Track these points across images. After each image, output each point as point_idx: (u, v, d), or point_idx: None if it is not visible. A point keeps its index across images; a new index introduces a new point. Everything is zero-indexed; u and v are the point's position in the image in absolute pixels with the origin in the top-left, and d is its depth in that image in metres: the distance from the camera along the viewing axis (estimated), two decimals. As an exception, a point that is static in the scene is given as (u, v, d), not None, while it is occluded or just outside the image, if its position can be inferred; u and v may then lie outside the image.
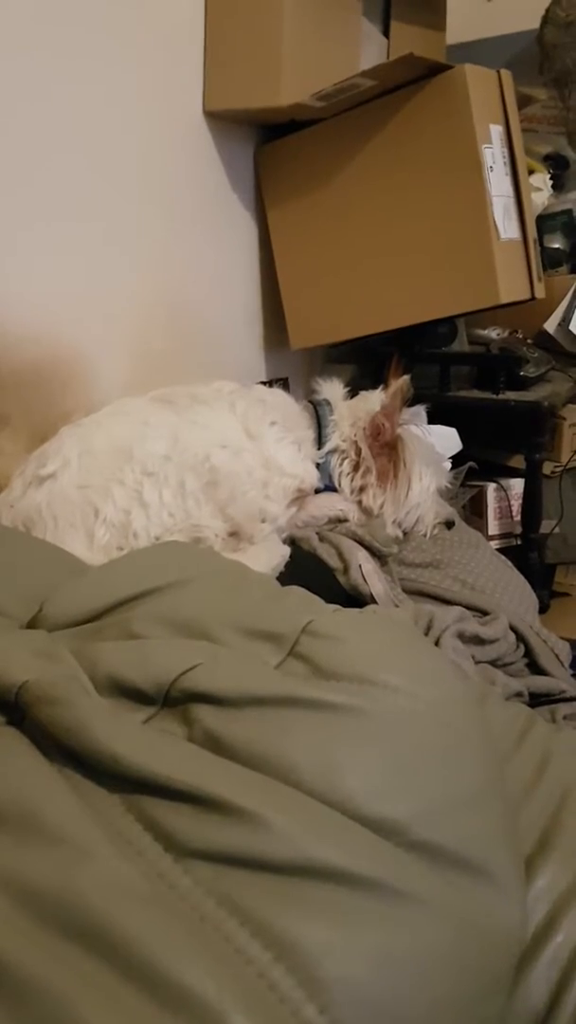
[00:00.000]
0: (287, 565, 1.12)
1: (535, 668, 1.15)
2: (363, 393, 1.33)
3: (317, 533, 1.20)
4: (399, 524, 1.25)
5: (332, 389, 1.32)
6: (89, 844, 0.47)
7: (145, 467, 1.05)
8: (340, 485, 1.26)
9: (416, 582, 1.19)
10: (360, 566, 1.09)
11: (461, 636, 1.06)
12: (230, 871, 0.47)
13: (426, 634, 1.03)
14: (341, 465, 1.26)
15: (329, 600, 0.76)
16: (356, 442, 1.26)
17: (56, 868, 0.46)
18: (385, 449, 1.25)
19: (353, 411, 1.28)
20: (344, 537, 1.16)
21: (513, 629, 1.14)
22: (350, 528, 1.20)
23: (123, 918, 0.43)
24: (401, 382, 1.23)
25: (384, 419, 1.23)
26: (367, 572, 1.10)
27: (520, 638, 1.15)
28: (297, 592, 0.76)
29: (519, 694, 1.06)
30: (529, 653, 1.15)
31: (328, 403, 1.30)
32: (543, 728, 0.82)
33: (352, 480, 1.25)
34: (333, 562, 1.12)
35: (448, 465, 1.67)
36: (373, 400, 1.29)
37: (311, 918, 0.45)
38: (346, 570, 1.11)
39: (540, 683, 1.11)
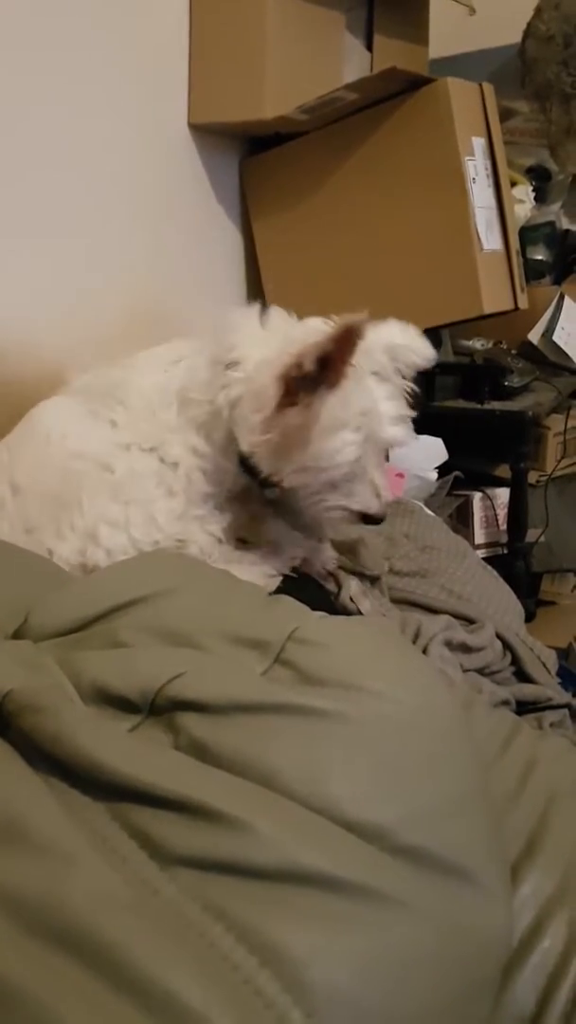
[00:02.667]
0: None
1: (522, 676, 1.15)
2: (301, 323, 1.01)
3: None
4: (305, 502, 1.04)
5: (243, 322, 1.00)
6: (74, 852, 0.47)
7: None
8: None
9: (403, 591, 1.19)
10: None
11: (448, 644, 1.06)
12: (215, 878, 0.47)
13: (414, 642, 1.04)
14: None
15: (316, 610, 0.76)
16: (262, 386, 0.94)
17: (41, 876, 0.46)
18: (300, 399, 0.92)
19: (269, 343, 0.97)
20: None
21: (500, 637, 1.15)
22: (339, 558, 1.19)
23: (108, 925, 0.43)
24: (357, 318, 0.87)
25: (313, 359, 0.89)
26: (354, 594, 1.10)
27: (507, 646, 1.15)
28: (284, 600, 0.77)
29: (506, 702, 1.07)
30: (516, 661, 1.15)
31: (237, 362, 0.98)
32: (528, 735, 0.83)
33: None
34: (330, 586, 1.12)
35: (434, 475, 1.69)
36: (304, 330, 0.98)
37: (296, 923, 0.45)
38: (338, 590, 1.11)
39: (527, 691, 1.12)
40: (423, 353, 1.06)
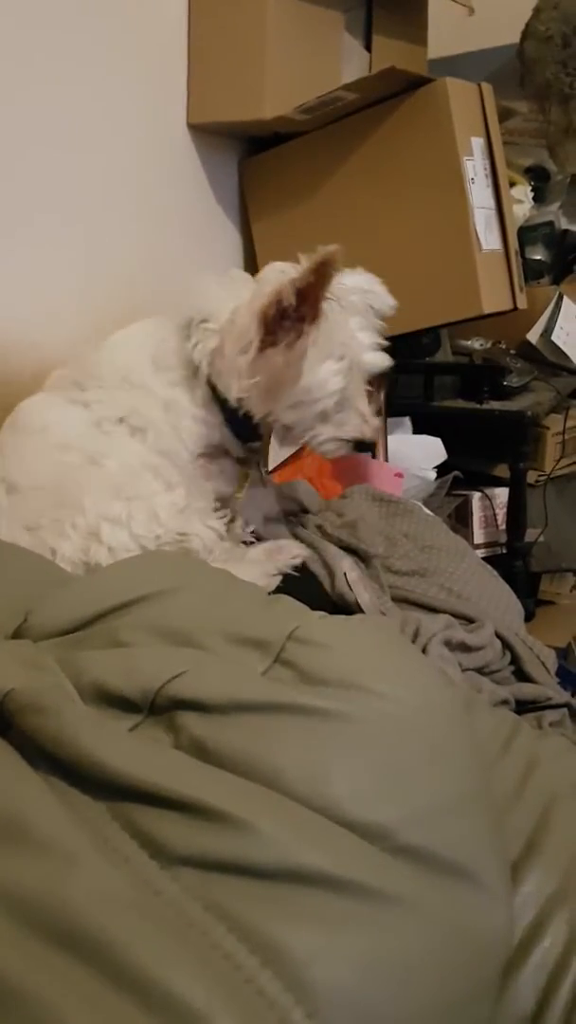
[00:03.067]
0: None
1: (521, 675, 1.15)
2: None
3: (295, 535, 1.19)
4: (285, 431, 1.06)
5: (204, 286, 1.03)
6: (75, 852, 0.47)
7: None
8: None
9: (402, 590, 1.19)
10: (345, 574, 1.09)
11: (448, 643, 1.06)
12: (217, 877, 0.46)
13: (413, 641, 1.04)
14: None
15: (315, 609, 0.76)
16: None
17: (42, 876, 0.46)
18: (280, 338, 0.95)
19: (236, 295, 1.01)
20: (328, 543, 1.16)
21: (499, 637, 1.15)
22: (333, 531, 1.19)
23: (110, 925, 0.43)
24: (329, 250, 0.92)
25: (292, 292, 0.93)
26: (352, 580, 1.10)
27: (506, 646, 1.15)
28: (284, 600, 0.77)
29: (505, 701, 1.07)
30: (516, 660, 1.15)
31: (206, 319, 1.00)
32: (529, 734, 0.83)
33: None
34: (317, 569, 1.12)
35: (433, 474, 1.69)
36: (272, 273, 1.02)
37: (298, 923, 0.45)
38: (331, 578, 1.11)
39: (526, 690, 1.12)
40: (387, 300, 1.12)
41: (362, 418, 1.07)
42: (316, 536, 1.21)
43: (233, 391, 0.98)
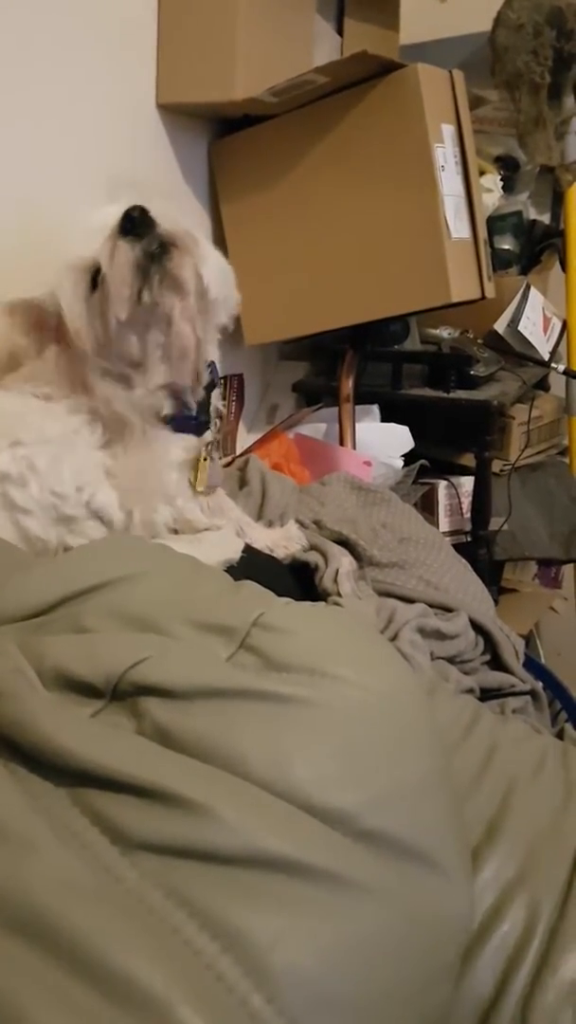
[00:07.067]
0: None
1: (496, 663, 1.16)
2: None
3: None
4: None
5: None
6: (34, 838, 0.47)
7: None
8: None
9: (383, 583, 1.18)
10: (337, 569, 1.10)
11: (422, 631, 1.06)
12: (178, 863, 0.46)
13: (387, 626, 1.04)
14: None
15: (281, 595, 0.76)
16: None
17: (0, 862, 0.45)
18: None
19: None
20: (330, 542, 1.16)
21: (479, 625, 1.15)
22: (334, 526, 1.19)
23: (68, 912, 0.43)
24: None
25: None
26: (341, 574, 1.10)
27: (485, 634, 1.15)
28: (249, 586, 0.76)
29: (471, 690, 1.07)
30: (494, 648, 1.16)
31: None
32: (490, 720, 0.83)
33: None
34: (313, 558, 1.12)
35: (400, 463, 1.69)
36: None
37: (259, 909, 0.45)
38: (323, 571, 1.11)
39: (490, 678, 1.13)
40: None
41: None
42: (315, 529, 1.21)
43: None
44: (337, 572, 1.09)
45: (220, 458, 1.19)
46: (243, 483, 1.35)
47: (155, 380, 0.98)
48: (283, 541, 1.14)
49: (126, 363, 0.97)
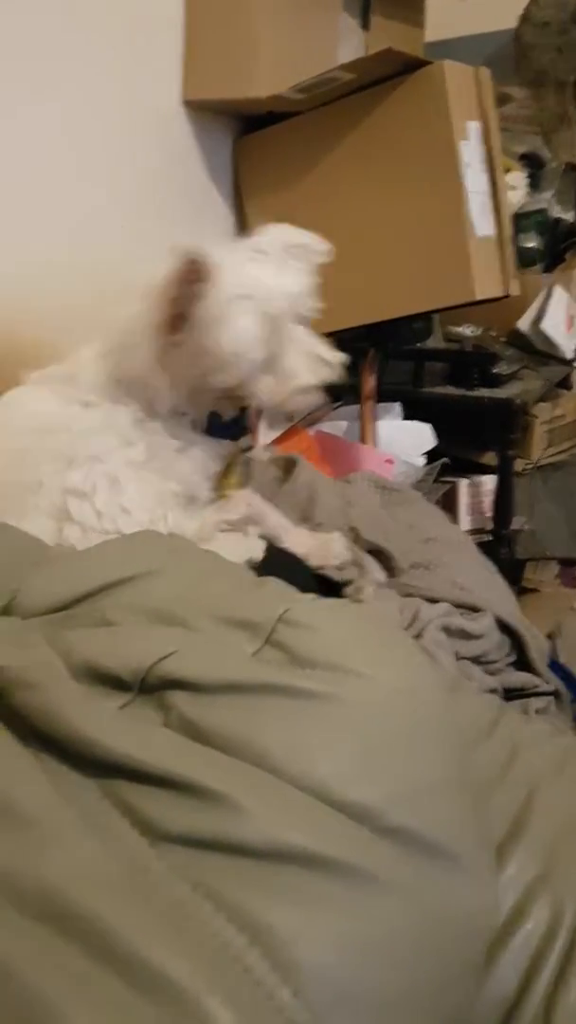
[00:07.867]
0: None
1: (522, 664, 1.14)
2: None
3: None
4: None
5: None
6: (62, 828, 0.47)
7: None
8: None
9: (408, 586, 1.17)
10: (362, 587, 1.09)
11: (447, 629, 1.05)
12: (205, 856, 0.47)
13: (411, 625, 1.03)
14: None
15: (305, 592, 0.76)
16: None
17: (27, 851, 0.46)
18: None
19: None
20: (367, 555, 1.15)
21: (506, 624, 1.14)
22: (369, 536, 1.18)
23: (95, 902, 0.43)
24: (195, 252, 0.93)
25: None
26: (367, 593, 1.09)
27: (512, 633, 1.14)
28: (272, 582, 0.76)
29: (493, 690, 1.07)
30: (520, 647, 1.14)
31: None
32: (513, 719, 0.83)
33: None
34: (349, 570, 1.11)
35: (422, 461, 1.69)
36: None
37: (285, 902, 0.45)
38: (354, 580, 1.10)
39: (514, 678, 1.12)
40: (311, 245, 1.10)
41: (314, 360, 1.03)
42: (351, 539, 1.19)
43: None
44: (362, 589, 1.08)
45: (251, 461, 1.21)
46: (283, 482, 1.32)
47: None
48: (321, 551, 1.10)
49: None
